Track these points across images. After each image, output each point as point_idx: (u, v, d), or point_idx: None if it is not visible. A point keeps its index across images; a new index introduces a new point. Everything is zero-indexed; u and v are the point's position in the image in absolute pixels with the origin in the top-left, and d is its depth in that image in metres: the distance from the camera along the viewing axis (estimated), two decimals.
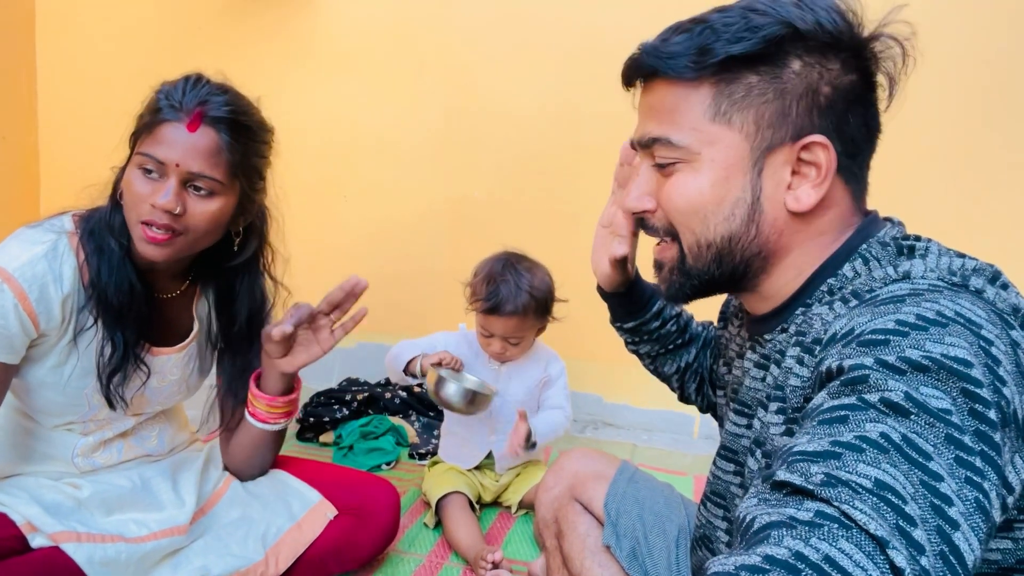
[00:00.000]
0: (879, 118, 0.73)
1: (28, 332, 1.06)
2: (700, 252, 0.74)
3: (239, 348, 1.29)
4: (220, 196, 1.09)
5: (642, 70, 0.74)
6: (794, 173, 0.70)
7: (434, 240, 2.27)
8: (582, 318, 2.06)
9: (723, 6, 0.71)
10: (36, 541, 1.09)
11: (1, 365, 1.06)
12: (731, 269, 0.74)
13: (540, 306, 1.60)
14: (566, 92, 2.10)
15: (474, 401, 1.52)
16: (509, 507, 1.69)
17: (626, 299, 1.06)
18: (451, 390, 1.51)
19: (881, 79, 0.72)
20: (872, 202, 0.77)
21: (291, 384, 1.28)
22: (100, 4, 2.43)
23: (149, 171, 1.06)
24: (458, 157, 2.22)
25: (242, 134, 1.09)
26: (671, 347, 1.10)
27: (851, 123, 0.70)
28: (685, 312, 1.11)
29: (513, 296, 1.55)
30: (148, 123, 1.06)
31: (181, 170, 1.05)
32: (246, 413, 1.28)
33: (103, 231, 1.10)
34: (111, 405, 1.16)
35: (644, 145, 0.75)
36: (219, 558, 1.21)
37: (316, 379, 2.39)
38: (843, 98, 0.70)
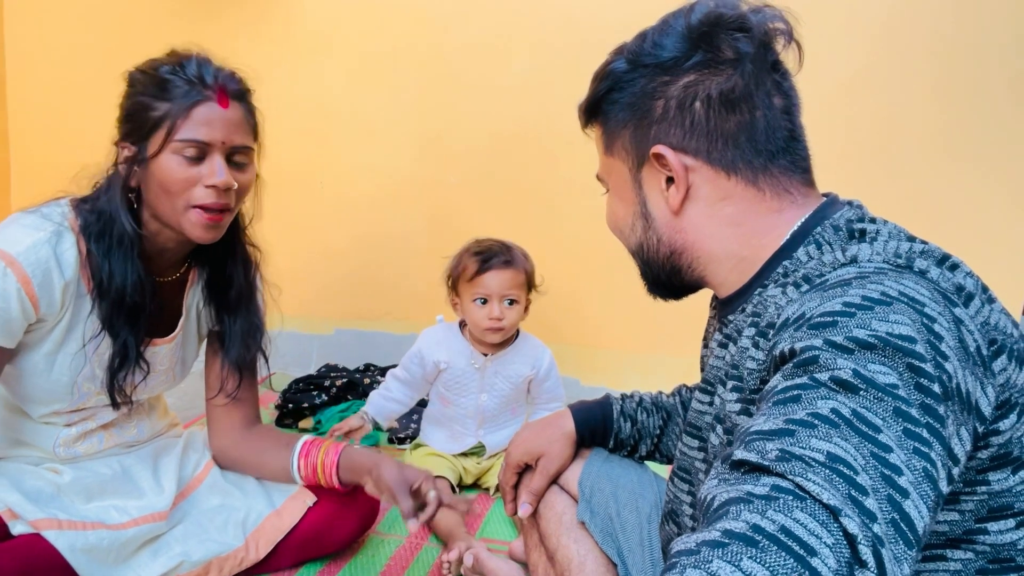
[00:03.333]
0: (775, 107, 0.75)
1: (28, 317, 1.06)
2: (636, 260, 0.87)
3: (239, 312, 1.28)
4: (252, 164, 1.15)
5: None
6: (669, 180, 0.78)
7: (410, 225, 2.28)
8: (556, 303, 2.09)
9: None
10: (17, 528, 1.09)
11: None
12: (659, 270, 0.84)
13: (529, 267, 1.62)
14: (541, 77, 2.11)
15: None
16: (488, 489, 1.71)
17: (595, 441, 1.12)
18: None
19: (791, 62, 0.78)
20: (855, 191, 0.80)
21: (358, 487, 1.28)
22: None
23: (190, 156, 1.06)
24: (433, 142, 2.23)
25: (250, 101, 1.15)
26: (659, 433, 1.12)
27: (727, 122, 0.74)
28: (647, 398, 1.13)
29: (505, 249, 1.59)
30: (174, 111, 1.05)
31: (226, 146, 1.08)
32: (297, 464, 1.27)
33: (111, 231, 1.08)
34: (114, 403, 1.17)
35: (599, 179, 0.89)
36: (199, 544, 1.22)
37: (294, 366, 2.40)
38: (705, 103, 0.75)
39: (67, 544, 1.10)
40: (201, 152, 1.07)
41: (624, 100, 0.80)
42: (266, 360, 1.32)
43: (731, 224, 0.77)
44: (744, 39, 0.74)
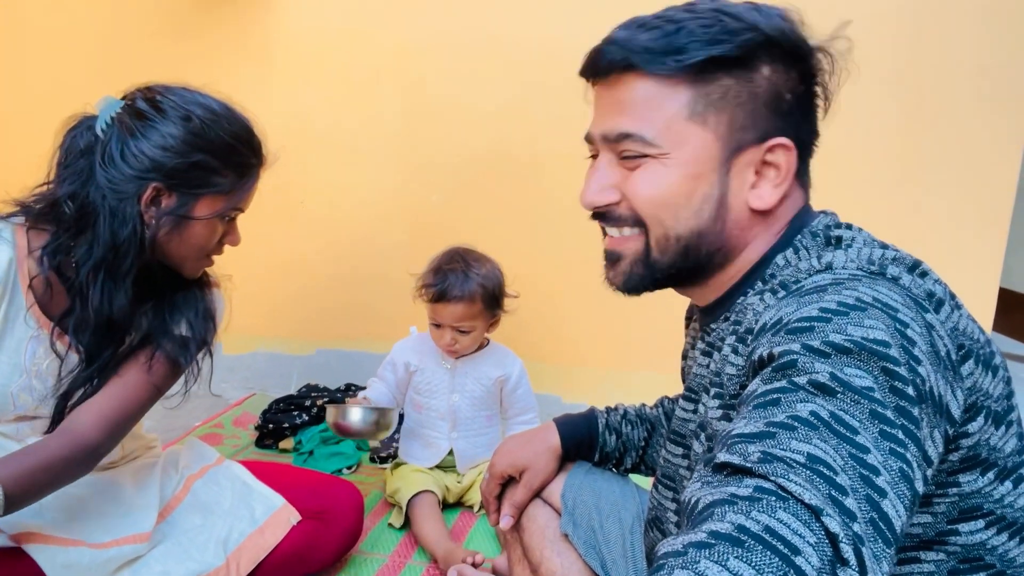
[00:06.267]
0: (818, 125, 0.78)
1: None
2: (668, 245, 0.75)
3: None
4: None
5: (616, 63, 0.73)
6: (756, 173, 0.74)
7: (392, 245, 2.29)
8: (537, 321, 2.11)
9: (688, 5, 0.74)
10: None
11: None
12: (695, 262, 0.77)
13: (488, 295, 1.62)
14: (521, 98, 2.13)
15: (379, 422, 1.48)
16: (471, 507, 1.71)
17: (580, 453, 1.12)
18: (354, 416, 1.46)
19: (818, 90, 0.77)
20: (823, 205, 0.82)
21: None
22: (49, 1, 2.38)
23: (228, 219, 1.15)
24: (415, 162, 2.24)
25: None
26: (644, 445, 1.13)
27: (803, 128, 0.76)
28: (631, 411, 1.14)
29: (460, 282, 1.59)
30: (237, 184, 1.12)
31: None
32: None
33: (111, 261, 1.06)
34: (56, 422, 1.11)
35: (611, 140, 0.76)
36: (178, 563, 1.20)
37: (274, 386, 2.38)
38: (799, 104, 0.75)
39: (48, 559, 1.08)
40: (236, 216, 1.16)
41: (759, 77, 0.72)
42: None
43: (772, 232, 0.77)
44: (822, 57, 0.75)
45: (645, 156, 0.74)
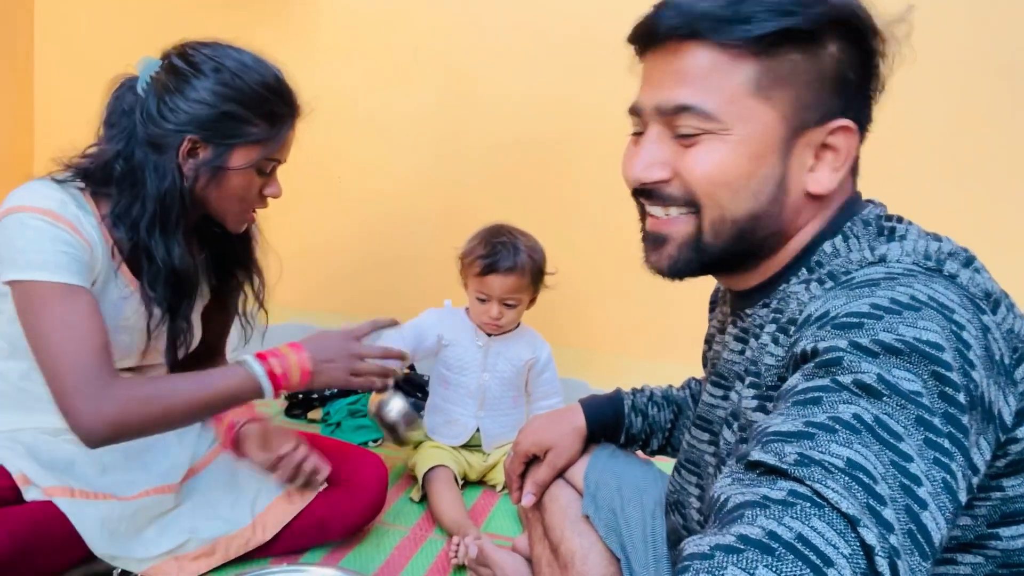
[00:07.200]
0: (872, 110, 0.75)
1: (91, 264, 1.08)
2: (723, 227, 0.71)
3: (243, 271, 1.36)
4: None
5: (678, 30, 0.68)
6: (816, 156, 0.70)
7: (425, 225, 2.29)
8: (566, 306, 2.10)
9: None
10: (30, 494, 1.11)
11: (88, 292, 1.06)
12: (748, 246, 0.72)
13: (535, 268, 1.62)
14: (560, 80, 2.12)
15: (411, 423, 1.47)
16: (494, 486, 1.72)
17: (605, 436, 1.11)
18: (394, 409, 1.44)
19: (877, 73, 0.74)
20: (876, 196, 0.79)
21: None
22: None
23: (266, 171, 1.17)
24: (451, 142, 2.24)
25: None
26: (670, 427, 1.11)
27: (863, 112, 0.72)
28: (657, 392, 1.13)
29: (511, 254, 1.59)
30: (270, 133, 1.14)
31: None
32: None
33: (163, 215, 1.11)
34: (172, 369, 1.23)
35: (666, 112, 0.70)
36: (207, 521, 1.23)
37: None
38: (861, 86, 0.71)
39: (77, 513, 1.11)
40: (274, 168, 1.18)
41: (822, 54, 0.68)
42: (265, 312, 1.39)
43: (824, 217, 0.74)
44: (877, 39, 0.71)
45: (704, 133, 0.69)
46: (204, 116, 1.09)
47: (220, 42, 1.14)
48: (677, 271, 0.75)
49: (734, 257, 0.74)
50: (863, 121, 0.73)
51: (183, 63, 1.10)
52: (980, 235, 1.86)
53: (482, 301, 1.63)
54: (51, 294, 1.02)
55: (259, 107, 1.11)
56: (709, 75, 0.68)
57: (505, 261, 1.58)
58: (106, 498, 1.15)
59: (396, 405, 1.44)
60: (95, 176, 1.12)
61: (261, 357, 1.13)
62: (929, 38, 1.81)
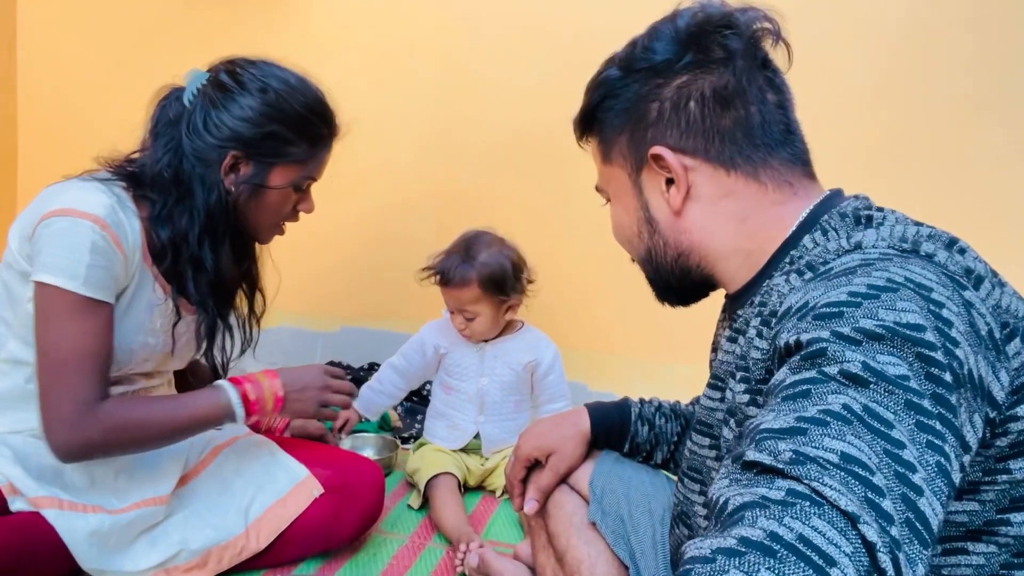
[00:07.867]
0: (768, 102, 0.76)
1: (126, 273, 1.10)
2: (643, 268, 0.86)
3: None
4: None
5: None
6: (669, 182, 0.78)
7: (420, 225, 2.27)
8: (568, 307, 2.08)
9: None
10: (16, 504, 1.07)
11: (109, 308, 1.08)
12: (669, 274, 0.83)
13: (487, 280, 1.56)
14: (557, 79, 2.09)
15: (385, 461, 1.69)
16: (494, 491, 1.69)
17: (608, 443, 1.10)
18: (368, 452, 1.67)
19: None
20: (876, 198, 0.78)
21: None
22: None
23: (301, 188, 1.21)
24: (447, 141, 2.21)
25: None
26: (676, 440, 1.09)
27: (722, 119, 0.75)
28: (665, 404, 1.11)
29: (455, 267, 1.57)
30: (310, 153, 1.18)
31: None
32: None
33: (209, 222, 1.14)
34: (216, 374, 1.26)
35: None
36: (197, 531, 1.20)
37: (297, 362, 2.36)
38: (699, 102, 0.75)
39: (66, 526, 1.08)
40: (309, 184, 1.21)
41: (619, 107, 0.80)
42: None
43: (735, 220, 0.77)
44: (733, 36, 0.76)
45: (610, 200, 0.88)
46: (248, 134, 1.12)
47: (267, 60, 1.17)
48: (671, 303, 0.89)
49: (676, 282, 0.84)
50: (723, 128, 0.76)
51: (230, 79, 1.13)
52: (980, 236, 1.86)
53: (451, 312, 1.64)
54: (70, 305, 1.04)
55: (301, 128, 1.15)
56: (595, 158, 0.88)
57: (449, 274, 1.57)
58: (95, 511, 1.12)
59: (369, 451, 1.68)
60: (142, 182, 1.13)
61: (236, 382, 1.18)
62: (929, 38, 1.82)
